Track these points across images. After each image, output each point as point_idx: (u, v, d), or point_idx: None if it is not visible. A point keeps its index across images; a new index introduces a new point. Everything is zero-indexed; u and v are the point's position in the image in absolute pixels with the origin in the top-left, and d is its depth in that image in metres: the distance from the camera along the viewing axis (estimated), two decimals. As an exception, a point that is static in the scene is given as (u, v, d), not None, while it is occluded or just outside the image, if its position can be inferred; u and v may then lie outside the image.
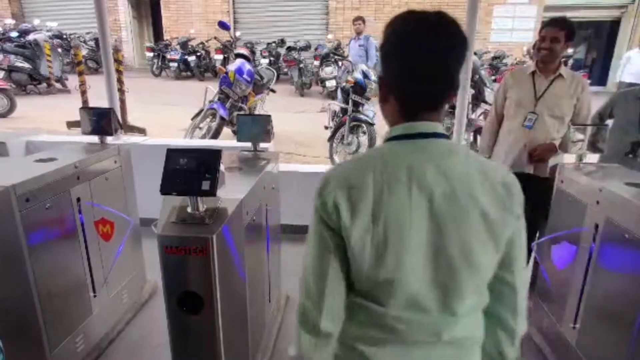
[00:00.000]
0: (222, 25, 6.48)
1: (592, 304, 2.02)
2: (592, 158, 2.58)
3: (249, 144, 2.60)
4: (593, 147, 2.38)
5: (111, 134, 2.57)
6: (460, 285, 0.86)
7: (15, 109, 7.84)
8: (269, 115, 2.61)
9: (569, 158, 2.54)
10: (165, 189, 1.55)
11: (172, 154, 1.59)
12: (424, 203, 0.83)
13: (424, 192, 0.83)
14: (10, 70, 9.27)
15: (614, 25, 13.86)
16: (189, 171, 1.56)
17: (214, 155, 1.59)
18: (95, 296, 2.32)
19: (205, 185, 1.53)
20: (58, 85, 10.06)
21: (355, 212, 0.84)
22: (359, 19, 7.00)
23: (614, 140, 2.61)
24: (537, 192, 2.65)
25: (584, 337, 2.08)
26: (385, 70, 0.90)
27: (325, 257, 0.89)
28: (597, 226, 1.97)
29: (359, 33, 6.92)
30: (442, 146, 0.87)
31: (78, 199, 2.16)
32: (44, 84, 9.85)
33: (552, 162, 2.61)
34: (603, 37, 14.36)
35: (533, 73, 2.65)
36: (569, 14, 10.88)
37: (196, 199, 1.59)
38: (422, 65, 0.84)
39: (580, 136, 2.37)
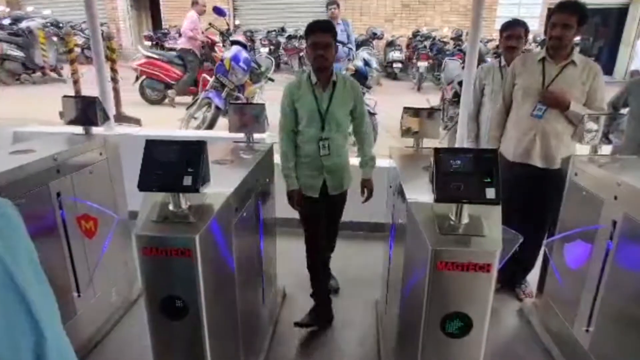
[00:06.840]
0: (218, 11, 6.26)
1: (609, 306, 1.89)
2: (606, 149, 2.42)
3: (242, 135, 2.45)
4: (607, 137, 2.23)
5: (96, 124, 2.42)
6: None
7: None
8: (263, 104, 2.46)
9: (581, 149, 2.39)
10: (144, 185, 1.42)
11: (151, 145, 1.44)
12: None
13: None
14: (3, 59, 9.06)
15: (622, 13, 13.53)
16: (170, 165, 1.42)
17: (198, 147, 1.44)
18: (79, 296, 2.19)
19: (187, 181, 1.39)
20: (53, 74, 9.87)
21: None
22: (334, 3, 6.69)
23: (629, 130, 2.48)
24: (548, 186, 2.50)
25: (598, 341, 1.95)
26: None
27: None
28: (615, 223, 1.83)
29: (334, 18, 6.62)
30: None
31: (58, 194, 2.02)
32: (39, 73, 9.66)
33: (564, 153, 2.46)
34: (610, 25, 14.02)
35: (543, 59, 2.48)
36: (576, 1, 10.55)
37: (178, 196, 1.45)
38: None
39: (594, 126, 2.22)
